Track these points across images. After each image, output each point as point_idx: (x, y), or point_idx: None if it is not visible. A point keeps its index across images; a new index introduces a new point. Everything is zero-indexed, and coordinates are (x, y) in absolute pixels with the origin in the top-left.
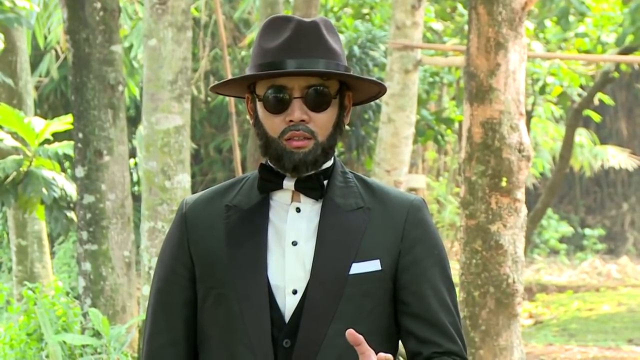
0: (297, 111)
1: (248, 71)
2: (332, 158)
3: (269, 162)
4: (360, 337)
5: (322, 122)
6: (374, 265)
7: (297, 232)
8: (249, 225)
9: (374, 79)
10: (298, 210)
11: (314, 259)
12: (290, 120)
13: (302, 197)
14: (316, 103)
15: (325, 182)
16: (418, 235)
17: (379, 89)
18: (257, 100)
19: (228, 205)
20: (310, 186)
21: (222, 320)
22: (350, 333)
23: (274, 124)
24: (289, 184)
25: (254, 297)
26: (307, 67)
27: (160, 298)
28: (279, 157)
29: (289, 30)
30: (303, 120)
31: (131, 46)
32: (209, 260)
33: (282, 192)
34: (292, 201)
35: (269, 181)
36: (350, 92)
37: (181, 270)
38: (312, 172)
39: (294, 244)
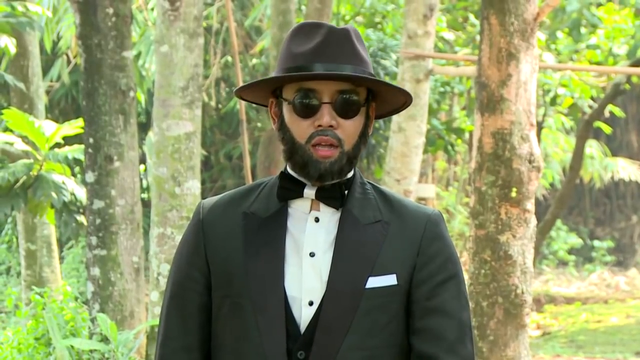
0: (327, 116)
1: (275, 75)
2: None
3: (289, 169)
4: None
5: (349, 129)
6: (390, 280)
7: (315, 243)
8: (267, 235)
9: (402, 88)
10: (317, 220)
11: (330, 271)
12: (319, 125)
13: (322, 207)
14: (345, 109)
15: (346, 192)
16: (434, 251)
17: (405, 100)
18: (283, 103)
19: (246, 213)
20: (331, 195)
21: (236, 329)
22: None
23: (301, 129)
24: (309, 192)
25: (270, 308)
26: (338, 72)
27: (175, 303)
28: (305, 165)
29: (320, 35)
30: (331, 126)
31: (139, 54)
32: (226, 268)
33: (301, 201)
34: (311, 210)
35: (290, 190)
36: (375, 102)
37: (197, 275)
38: (337, 180)
39: (312, 255)
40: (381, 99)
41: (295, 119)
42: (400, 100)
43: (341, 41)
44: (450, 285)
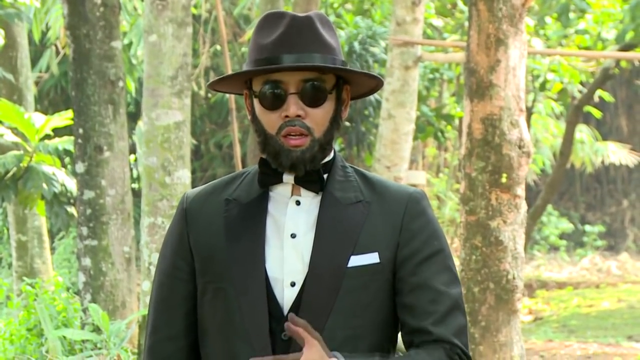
0: (293, 106)
1: (245, 67)
2: (332, 152)
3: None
4: (298, 327)
5: (318, 117)
6: (372, 258)
7: (296, 225)
8: (248, 219)
9: (368, 72)
10: (298, 203)
11: (312, 251)
12: (286, 116)
13: (302, 191)
14: (312, 98)
15: (325, 175)
16: (416, 227)
17: (376, 82)
18: (253, 96)
19: (228, 199)
20: (310, 179)
21: (220, 314)
22: (288, 326)
23: (270, 120)
24: (289, 177)
25: (252, 290)
26: (302, 62)
27: (161, 292)
28: (277, 155)
29: (282, 25)
30: (299, 116)
31: (130, 43)
32: (208, 254)
33: (282, 186)
34: (292, 194)
35: (269, 175)
36: (348, 85)
37: (181, 264)
38: (311, 169)
39: (293, 236)
40: (353, 83)
41: (264, 111)
42: (371, 82)
43: (305, 29)
44: (436, 261)
